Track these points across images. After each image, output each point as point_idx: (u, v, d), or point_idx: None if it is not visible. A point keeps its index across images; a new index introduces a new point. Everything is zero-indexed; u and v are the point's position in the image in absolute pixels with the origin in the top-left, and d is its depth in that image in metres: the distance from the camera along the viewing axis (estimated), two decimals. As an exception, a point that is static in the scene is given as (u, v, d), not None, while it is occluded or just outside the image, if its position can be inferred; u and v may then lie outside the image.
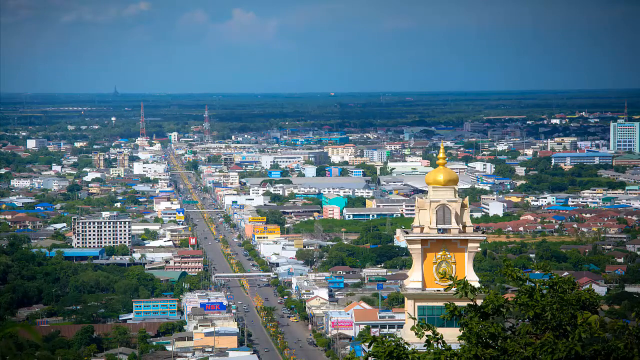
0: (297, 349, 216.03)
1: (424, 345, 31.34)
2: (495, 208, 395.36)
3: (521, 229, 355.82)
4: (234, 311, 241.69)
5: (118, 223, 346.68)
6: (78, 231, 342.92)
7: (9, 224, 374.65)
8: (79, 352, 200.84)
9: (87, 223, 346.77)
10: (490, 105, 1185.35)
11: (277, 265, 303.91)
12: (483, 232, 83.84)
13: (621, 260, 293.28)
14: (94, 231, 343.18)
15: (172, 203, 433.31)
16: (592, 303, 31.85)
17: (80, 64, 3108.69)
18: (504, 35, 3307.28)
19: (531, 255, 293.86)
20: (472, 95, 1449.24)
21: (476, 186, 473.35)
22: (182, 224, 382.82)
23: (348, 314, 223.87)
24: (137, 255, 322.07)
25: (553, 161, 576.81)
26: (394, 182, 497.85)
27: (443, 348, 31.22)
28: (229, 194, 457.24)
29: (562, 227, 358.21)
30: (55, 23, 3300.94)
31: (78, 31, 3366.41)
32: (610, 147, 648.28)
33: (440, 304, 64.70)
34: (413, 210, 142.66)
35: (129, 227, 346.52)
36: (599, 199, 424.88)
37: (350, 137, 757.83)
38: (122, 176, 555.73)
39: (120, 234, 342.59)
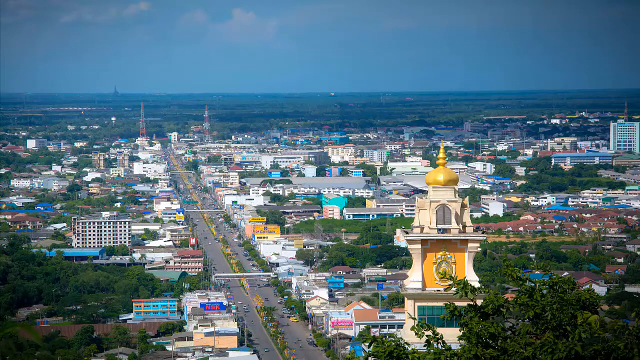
0: (297, 349, 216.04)
1: (424, 345, 31.34)
2: (495, 208, 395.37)
3: (521, 229, 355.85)
4: (234, 311, 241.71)
5: (118, 223, 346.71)
6: (78, 231, 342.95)
7: (9, 224, 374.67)
8: (79, 352, 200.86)
9: (87, 223, 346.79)
10: (490, 105, 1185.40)
11: (277, 265, 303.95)
12: (483, 232, 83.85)
13: (621, 260, 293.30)
14: (94, 231, 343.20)
15: (172, 203, 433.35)
16: (592, 303, 31.85)
17: (80, 64, 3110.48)
18: (504, 35, 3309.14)
19: (531, 255, 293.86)
20: (472, 95, 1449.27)
21: (476, 186, 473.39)
22: (182, 224, 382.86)
23: (348, 314, 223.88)
24: (137, 255, 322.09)
25: (553, 161, 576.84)
26: (394, 182, 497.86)
27: (443, 348, 31.22)
28: (229, 194, 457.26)
29: (562, 227, 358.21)
30: (55, 23, 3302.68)
31: (78, 31, 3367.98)
32: (610, 147, 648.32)
33: (440, 304, 64.71)
34: (413, 210, 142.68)
35: (129, 227, 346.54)
36: (599, 199, 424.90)
37: (350, 137, 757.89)
38: (122, 176, 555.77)
39: (120, 234, 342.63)
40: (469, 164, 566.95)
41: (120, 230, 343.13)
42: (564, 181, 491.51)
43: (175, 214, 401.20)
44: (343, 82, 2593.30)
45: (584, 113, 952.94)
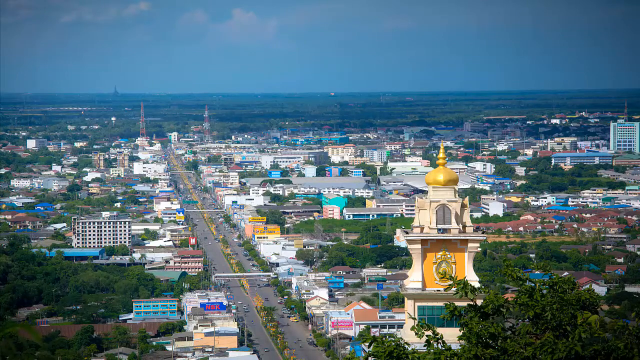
0: (297, 349, 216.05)
1: (424, 345, 31.34)
2: (495, 208, 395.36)
3: (521, 229, 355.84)
4: (234, 311, 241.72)
5: (118, 223, 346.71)
6: (78, 231, 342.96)
7: (9, 224, 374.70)
8: (79, 352, 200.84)
9: (87, 223, 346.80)
10: (490, 105, 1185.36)
11: (277, 265, 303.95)
12: (483, 232, 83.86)
13: (621, 260, 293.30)
14: (94, 231, 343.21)
15: (172, 203, 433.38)
16: (592, 303, 31.85)
17: (80, 64, 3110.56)
18: (504, 35, 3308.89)
19: (531, 255, 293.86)
20: (472, 95, 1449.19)
21: (476, 186, 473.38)
22: (182, 224, 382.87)
23: (348, 314, 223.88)
24: (137, 255, 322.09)
25: (553, 161, 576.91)
26: (394, 182, 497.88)
27: (443, 348, 31.22)
28: (229, 194, 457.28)
29: (562, 227, 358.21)
30: (55, 23, 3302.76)
31: (78, 31, 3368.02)
32: (610, 147, 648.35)
33: (440, 304, 64.74)
34: (413, 210, 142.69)
35: (129, 227, 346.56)
36: (599, 199, 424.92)
37: (350, 137, 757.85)
38: (122, 176, 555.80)
39: (120, 234, 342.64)
40: (469, 164, 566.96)
41: (120, 230, 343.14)
42: (564, 181, 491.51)
43: (175, 214, 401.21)
44: (343, 82, 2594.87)
45: (584, 113, 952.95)
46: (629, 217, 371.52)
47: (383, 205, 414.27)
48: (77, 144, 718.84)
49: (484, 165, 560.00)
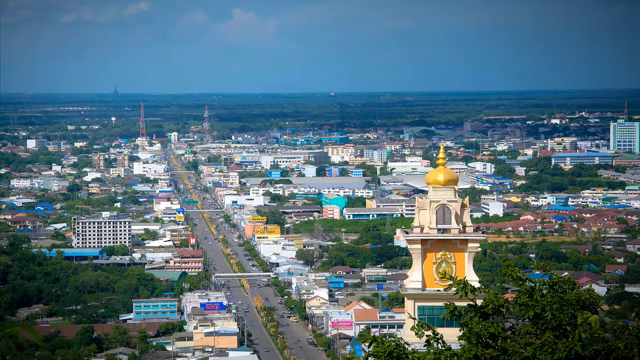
0: (297, 349, 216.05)
1: (424, 345, 31.34)
2: (495, 208, 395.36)
3: (521, 229, 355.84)
4: (234, 311, 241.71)
5: (118, 223, 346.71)
6: (78, 231, 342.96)
7: (9, 224, 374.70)
8: (79, 352, 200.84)
9: (87, 223, 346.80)
10: (490, 105, 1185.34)
11: (277, 265, 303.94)
12: (483, 232, 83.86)
13: (621, 260, 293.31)
14: (94, 231, 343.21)
15: (172, 203, 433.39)
16: (592, 303, 31.84)
17: (80, 64, 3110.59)
18: (504, 35, 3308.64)
19: (531, 255, 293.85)
20: (472, 95, 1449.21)
21: (476, 186, 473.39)
22: (182, 224, 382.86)
23: (348, 314, 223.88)
24: (137, 255, 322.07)
25: (553, 161, 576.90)
26: (394, 182, 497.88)
27: (443, 348, 31.22)
28: (229, 194, 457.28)
29: (562, 227, 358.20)
30: (55, 23, 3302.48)
31: (78, 31, 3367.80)
32: (610, 147, 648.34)
33: (440, 304, 64.74)
34: (413, 210, 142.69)
35: (129, 227, 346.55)
36: (599, 199, 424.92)
37: (350, 137, 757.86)
38: (122, 176, 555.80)
39: (120, 234, 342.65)
40: (469, 164, 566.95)
41: (120, 230, 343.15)
42: (564, 181, 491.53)
43: (175, 214, 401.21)
44: (343, 82, 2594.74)
45: (584, 113, 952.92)
46: (629, 217, 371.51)
47: (383, 205, 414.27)
48: (77, 144, 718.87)
49: (484, 165, 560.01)
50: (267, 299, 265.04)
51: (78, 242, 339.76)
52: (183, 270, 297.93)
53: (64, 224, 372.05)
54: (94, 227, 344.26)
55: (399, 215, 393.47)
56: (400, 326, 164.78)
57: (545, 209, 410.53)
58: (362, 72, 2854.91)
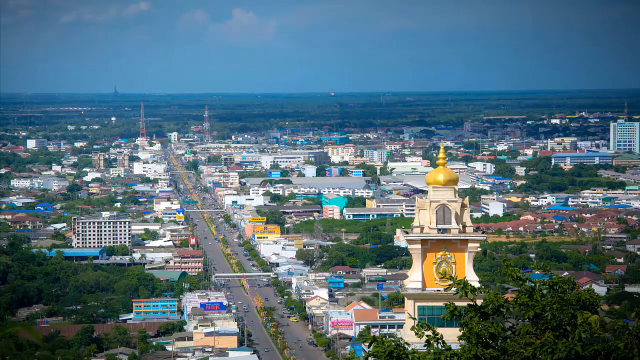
0: (297, 349, 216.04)
1: (424, 345, 31.34)
2: (495, 208, 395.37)
3: (521, 229, 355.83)
4: (234, 311, 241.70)
5: (118, 223, 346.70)
6: (78, 231, 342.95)
7: (9, 224, 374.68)
8: (79, 352, 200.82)
9: (87, 223, 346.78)
10: (490, 105, 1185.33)
11: (277, 265, 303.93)
12: (483, 232, 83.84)
13: (621, 260, 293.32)
14: (94, 231, 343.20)
15: (172, 203, 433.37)
16: (592, 303, 31.84)
17: (80, 64, 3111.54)
18: (504, 35, 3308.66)
19: (531, 255, 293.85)
20: (472, 95, 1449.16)
21: (476, 186, 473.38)
22: (182, 224, 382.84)
23: (348, 314, 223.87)
24: (137, 255, 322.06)
25: (553, 161, 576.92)
26: (394, 182, 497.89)
27: (443, 348, 31.21)
28: (229, 194, 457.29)
29: (562, 227, 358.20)
30: (55, 23, 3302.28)
31: (78, 31, 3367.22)
32: (610, 147, 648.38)
33: (440, 304, 64.73)
34: (413, 210, 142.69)
35: (129, 227, 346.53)
36: (599, 199, 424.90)
37: (350, 137, 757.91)
38: (122, 176, 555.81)
39: (120, 234, 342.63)
40: (469, 164, 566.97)
41: (120, 230, 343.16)
42: (564, 181, 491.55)
43: (175, 214, 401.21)
44: (343, 82, 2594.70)
45: (584, 113, 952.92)
46: (629, 217, 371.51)
47: (383, 205, 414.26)
48: (77, 144, 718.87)
49: (484, 165, 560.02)
50: (267, 299, 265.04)
51: (78, 242, 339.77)
52: (183, 270, 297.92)
53: (64, 224, 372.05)
54: (94, 227, 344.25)
55: (399, 215, 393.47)
56: (400, 326, 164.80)
57: (545, 209, 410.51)
58: (362, 72, 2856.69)
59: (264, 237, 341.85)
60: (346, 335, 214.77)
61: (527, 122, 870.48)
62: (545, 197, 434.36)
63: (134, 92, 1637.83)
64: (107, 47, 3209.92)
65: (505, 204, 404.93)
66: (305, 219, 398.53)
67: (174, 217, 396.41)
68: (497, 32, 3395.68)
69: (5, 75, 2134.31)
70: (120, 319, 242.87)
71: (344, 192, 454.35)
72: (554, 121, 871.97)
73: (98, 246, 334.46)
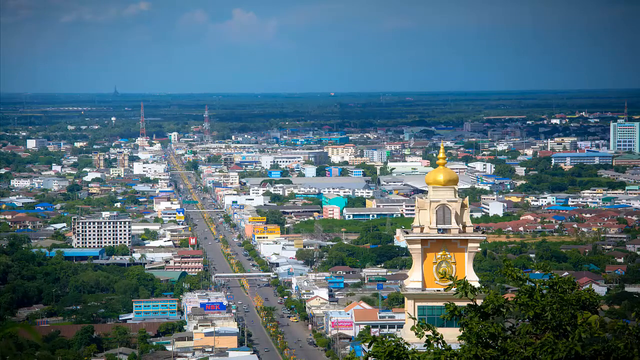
0: (297, 349, 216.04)
1: (424, 345, 31.34)
2: (495, 208, 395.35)
3: (521, 229, 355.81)
4: (234, 311, 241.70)
5: (118, 223, 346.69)
6: (78, 231, 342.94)
7: (9, 224, 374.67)
8: (79, 352, 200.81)
9: (87, 223, 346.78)
10: (490, 105, 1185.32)
11: (277, 265, 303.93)
12: (483, 232, 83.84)
13: (621, 260, 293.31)
14: (94, 231, 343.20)
15: (172, 203, 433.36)
16: (592, 303, 31.84)
17: (80, 64, 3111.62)
18: (504, 35, 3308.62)
19: (531, 255, 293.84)
20: (472, 95, 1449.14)
21: (476, 186, 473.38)
22: (182, 224, 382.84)
23: (348, 314, 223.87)
24: (137, 255, 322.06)
25: (553, 161, 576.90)
26: (394, 182, 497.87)
27: (443, 348, 31.21)
28: (229, 194, 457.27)
29: (562, 227, 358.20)
30: (55, 23, 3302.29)
31: (78, 31, 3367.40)
32: (610, 147, 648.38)
33: (440, 304, 64.73)
34: (413, 210, 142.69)
35: (129, 227, 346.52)
36: (599, 199, 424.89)
37: (350, 137, 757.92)
38: (122, 176, 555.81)
39: (120, 234, 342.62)
40: (469, 164, 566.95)
41: (120, 230, 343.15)
42: (564, 181, 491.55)
43: (175, 214, 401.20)
44: (343, 82, 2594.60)
45: (584, 113, 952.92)
46: (629, 217, 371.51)
47: (383, 205, 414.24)
48: (77, 144, 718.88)
49: (484, 165, 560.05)
50: (267, 299, 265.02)
51: (78, 242, 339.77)
52: (183, 270, 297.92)
53: (64, 224, 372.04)
54: (94, 227, 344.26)
55: (399, 215, 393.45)
56: (400, 326, 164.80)
57: (545, 209, 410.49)
58: (362, 72, 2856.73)
59: (264, 237, 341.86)
60: (346, 335, 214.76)
61: (527, 122, 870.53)
62: (545, 197, 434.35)
63: (134, 92, 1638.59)
64: (107, 47, 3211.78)
65: (505, 204, 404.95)
66: (305, 219, 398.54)
67: (174, 217, 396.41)
68: (497, 32, 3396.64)
69: (5, 75, 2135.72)
70: (120, 319, 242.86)
71: (344, 192, 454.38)
72: (554, 121, 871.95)
73: (98, 246, 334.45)
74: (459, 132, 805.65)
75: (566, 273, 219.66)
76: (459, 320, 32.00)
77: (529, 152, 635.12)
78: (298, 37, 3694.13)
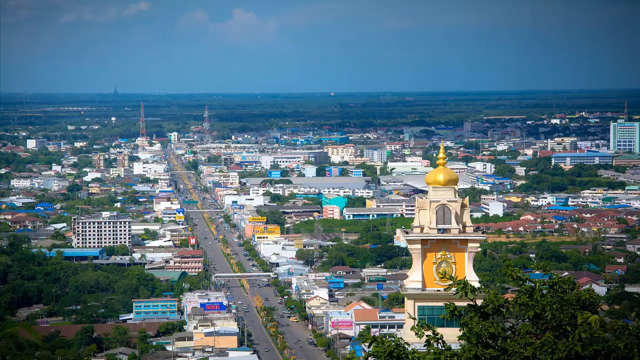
0: (297, 349, 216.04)
1: (424, 345, 31.33)
2: (495, 208, 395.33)
3: (521, 229, 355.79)
4: (234, 311, 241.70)
5: (118, 223, 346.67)
6: (78, 231, 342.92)
7: (9, 224, 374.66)
8: (79, 352, 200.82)
9: (87, 223, 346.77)
10: (490, 105, 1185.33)
11: (277, 265, 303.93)
12: (483, 232, 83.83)
13: (621, 260, 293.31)
14: (94, 231, 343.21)
15: (172, 203, 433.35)
16: (592, 303, 31.83)
17: (80, 64, 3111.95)
18: (504, 35, 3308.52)
19: (531, 255, 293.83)
20: (472, 95, 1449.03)
21: (476, 186, 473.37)
22: (182, 224, 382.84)
23: (348, 314, 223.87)
24: (137, 255, 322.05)
25: (553, 161, 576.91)
26: (394, 182, 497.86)
27: (443, 348, 31.21)
28: (229, 194, 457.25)
29: (562, 227, 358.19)
30: (55, 23, 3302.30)
31: (78, 31, 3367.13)
32: (610, 147, 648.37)
33: (440, 304, 64.72)
34: (413, 210, 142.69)
35: (129, 227, 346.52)
36: (599, 199, 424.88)
37: (350, 137, 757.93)
38: (122, 176, 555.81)
39: (120, 234, 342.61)
40: (469, 164, 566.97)
41: (120, 230, 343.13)
42: (564, 181, 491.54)
43: (175, 214, 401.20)
44: (343, 82, 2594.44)
45: (584, 113, 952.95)
46: (629, 217, 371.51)
47: (383, 205, 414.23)
48: (77, 144, 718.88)
49: (484, 165, 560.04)
50: (267, 299, 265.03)
51: (78, 242, 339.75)
52: (183, 270, 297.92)
53: (64, 224, 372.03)
54: (94, 227, 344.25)
55: (399, 215, 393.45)
56: (400, 326, 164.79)
57: (545, 209, 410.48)
58: (362, 72, 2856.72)
59: (264, 237, 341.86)
60: (346, 335, 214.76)
61: (527, 122, 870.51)
62: (545, 197, 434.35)
63: (134, 92, 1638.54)
64: (107, 47, 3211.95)
65: (505, 204, 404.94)
66: (305, 219, 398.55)
67: (174, 217, 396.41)
68: (497, 32, 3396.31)
69: (5, 75, 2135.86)
70: (120, 319, 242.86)
71: (344, 192, 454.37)
72: (554, 121, 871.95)
73: (98, 246, 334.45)
74: (459, 132, 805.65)
75: (566, 273, 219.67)
76: (459, 320, 31.99)
77: (529, 152, 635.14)
78: (298, 37, 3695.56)
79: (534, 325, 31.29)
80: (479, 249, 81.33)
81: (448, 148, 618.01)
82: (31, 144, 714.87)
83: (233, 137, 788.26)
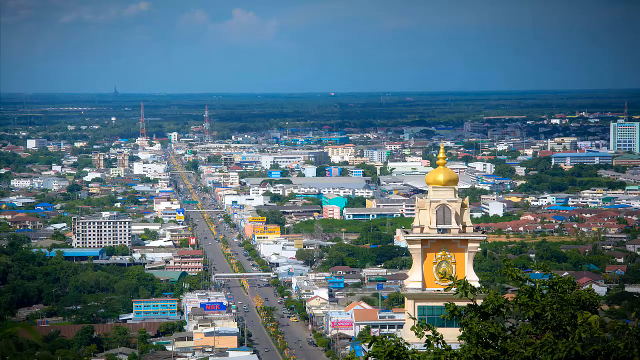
0: (297, 349, 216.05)
1: (424, 345, 31.33)
2: (495, 208, 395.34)
3: (521, 229, 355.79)
4: (234, 311, 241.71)
5: (118, 223, 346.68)
6: (78, 231, 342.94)
7: (9, 224, 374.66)
8: (79, 352, 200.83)
9: (87, 223, 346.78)
10: (490, 105, 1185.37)
11: (277, 265, 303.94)
12: (483, 232, 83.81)
13: (621, 260, 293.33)
14: (94, 231, 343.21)
15: (172, 203, 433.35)
16: (592, 303, 31.82)
17: (80, 64, 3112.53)
18: (504, 35, 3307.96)
19: (531, 255, 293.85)
20: (472, 95, 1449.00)
21: (476, 186, 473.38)
22: (182, 224, 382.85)
23: (348, 314, 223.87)
24: (137, 255, 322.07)
25: (553, 161, 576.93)
26: (394, 182, 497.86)
27: (443, 348, 31.20)
28: (229, 194, 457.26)
29: (562, 227, 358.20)
30: (55, 23, 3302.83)
31: (78, 31, 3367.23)
32: (610, 147, 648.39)
33: (440, 304, 64.74)
34: (413, 210, 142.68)
35: (129, 227, 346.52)
36: (599, 199, 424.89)
37: (350, 137, 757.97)
38: (122, 176, 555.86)
39: (120, 234, 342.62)
40: (469, 164, 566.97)
41: (120, 230, 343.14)
42: (564, 181, 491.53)
43: (175, 214, 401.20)
44: (343, 82, 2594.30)
45: (584, 113, 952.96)
46: (629, 217, 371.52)
47: (383, 205, 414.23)
48: (77, 144, 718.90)
49: (484, 165, 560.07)
50: (267, 299, 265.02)
51: (78, 242, 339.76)
52: (183, 270, 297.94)
53: (64, 224, 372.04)
54: (94, 227, 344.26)
55: (399, 215, 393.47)
56: (400, 326, 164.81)
57: (545, 209, 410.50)
58: (362, 72, 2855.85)
59: (264, 237, 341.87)
60: (346, 335, 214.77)
61: (527, 122, 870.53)
62: (545, 197, 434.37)
63: (134, 92, 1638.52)
64: (107, 47, 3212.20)
65: (505, 204, 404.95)
66: (305, 219, 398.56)
67: (174, 217, 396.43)
68: (497, 32, 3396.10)
69: (5, 75, 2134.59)
70: (120, 319, 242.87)
71: (344, 192, 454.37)
72: (554, 121, 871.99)
73: (98, 246, 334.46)
74: (459, 132, 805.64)
75: (566, 273, 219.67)
76: (459, 320, 31.98)
77: (529, 152, 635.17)
78: (298, 37, 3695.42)
79: (534, 325, 31.29)
80: (479, 249, 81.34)
81: (448, 148, 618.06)
82: (31, 144, 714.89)
83: (233, 137, 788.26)
